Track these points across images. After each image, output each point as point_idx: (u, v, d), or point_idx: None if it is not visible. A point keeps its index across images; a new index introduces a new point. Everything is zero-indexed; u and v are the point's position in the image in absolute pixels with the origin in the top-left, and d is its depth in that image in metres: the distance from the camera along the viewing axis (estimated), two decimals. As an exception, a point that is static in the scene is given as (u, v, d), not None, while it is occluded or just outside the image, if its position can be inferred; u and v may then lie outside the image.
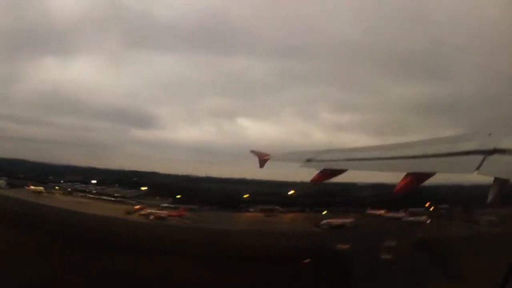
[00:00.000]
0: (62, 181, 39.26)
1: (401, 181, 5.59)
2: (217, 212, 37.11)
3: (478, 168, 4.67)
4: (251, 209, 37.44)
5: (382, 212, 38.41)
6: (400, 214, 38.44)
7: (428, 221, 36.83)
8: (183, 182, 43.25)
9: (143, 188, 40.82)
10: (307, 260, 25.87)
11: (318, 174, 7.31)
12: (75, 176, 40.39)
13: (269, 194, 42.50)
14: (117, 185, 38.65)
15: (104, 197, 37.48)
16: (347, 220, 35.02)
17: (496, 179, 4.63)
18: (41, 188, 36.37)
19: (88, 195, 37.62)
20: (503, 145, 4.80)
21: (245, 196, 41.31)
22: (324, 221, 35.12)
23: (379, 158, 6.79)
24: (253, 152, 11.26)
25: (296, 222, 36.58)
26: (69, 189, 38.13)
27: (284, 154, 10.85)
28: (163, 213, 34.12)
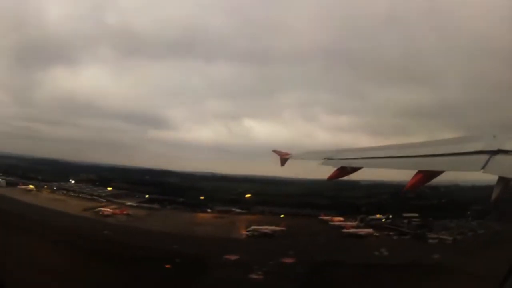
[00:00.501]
0: (71, 180, 41.55)
1: (412, 178, 6.00)
2: (175, 211, 38.51)
3: (483, 167, 5.08)
4: (208, 210, 38.72)
5: (337, 219, 38.61)
6: (350, 223, 38.00)
7: (372, 234, 35.77)
8: (185, 181, 44.56)
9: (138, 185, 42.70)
10: (168, 266, 26.29)
11: (336, 171, 7.71)
12: (88, 175, 42.73)
13: (261, 194, 43.00)
14: (97, 183, 40.37)
15: (80, 195, 39.43)
16: (276, 228, 35.10)
17: (500, 178, 5.02)
18: (31, 186, 37.57)
19: (69, 193, 39.40)
20: (507, 146, 5.18)
21: (247, 194, 41.95)
22: (251, 228, 35.05)
23: (392, 157, 7.19)
24: (275, 151, 11.67)
25: (234, 226, 36.56)
26: (54, 188, 39.47)
27: (304, 153, 11.24)
28: (108, 210, 35.78)
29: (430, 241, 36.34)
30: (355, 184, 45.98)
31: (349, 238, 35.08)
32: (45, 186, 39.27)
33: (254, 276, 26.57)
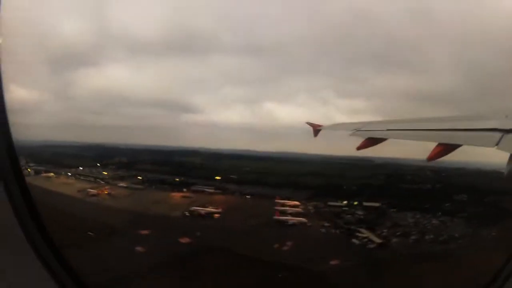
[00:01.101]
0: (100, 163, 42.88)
1: (433, 150, 6.61)
2: (154, 191, 38.67)
3: (497, 144, 5.58)
4: (184, 189, 38.49)
5: (290, 203, 36.50)
6: (295, 209, 35.46)
7: (303, 224, 33.84)
8: (205, 160, 46.32)
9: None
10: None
11: (364, 141, 8.34)
12: (120, 158, 43.63)
13: (263, 173, 43.78)
14: (117, 166, 42.26)
15: (88, 178, 40.29)
16: (213, 210, 34.25)
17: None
18: (52, 174, 38.59)
19: (81, 177, 40.33)
20: None
21: (250, 173, 42.89)
22: (192, 208, 34.65)
23: (415, 129, 7.85)
24: (308, 123, 12.52)
25: (183, 206, 35.14)
26: (69, 173, 40.55)
27: (335, 125, 12.18)
28: (93, 191, 36.30)
29: (354, 240, 32.68)
30: (366, 163, 46.17)
31: (273, 225, 32.62)
32: (62, 173, 40.25)
33: (139, 248, 26.74)
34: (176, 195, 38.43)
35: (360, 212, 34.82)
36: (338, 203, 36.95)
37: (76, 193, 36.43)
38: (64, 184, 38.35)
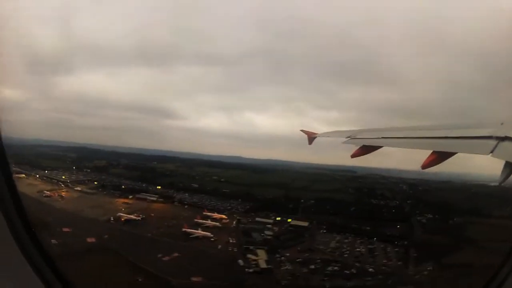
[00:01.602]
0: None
1: (428, 158, 6.59)
2: (102, 195, 40.39)
3: (492, 151, 5.55)
4: (130, 196, 39.79)
5: (216, 215, 36.56)
6: (213, 223, 35.08)
7: (207, 238, 31.73)
8: (178, 166, 47.71)
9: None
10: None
11: (358, 149, 8.27)
12: (100, 161, 45.78)
13: (226, 182, 43.95)
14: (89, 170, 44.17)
15: (53, 180, 42.14)
16: (133, 217, 35.37)
17: (507, 163, 5.46)
18: (23, 175, 38.67)
19: (47, 179, 40.82)
20: None
21: (215, 181, 43.11)
22: (118, 214, 35.98)
23: (409, 137, 7.79)
24: (303, 131, 12.46)
25: (113, 211, 37.26)
26: (37, 176, 41.02)
27: (329, 133, 11.99)
28: (47, 193, 38.84)
29: (239, 261, 31.39)
30: (347, 174, 47.08)
31: (177, 236, 33.47)
32: (33, 174, 41.10)
33: (53, 240, 27.35)
34: (119, 201, 39.37)
35: (269, 233, 34.82)
36: (265, 220, 37.31)
37: (35, 194, 37.23)
38: (29, 185, 38.34)
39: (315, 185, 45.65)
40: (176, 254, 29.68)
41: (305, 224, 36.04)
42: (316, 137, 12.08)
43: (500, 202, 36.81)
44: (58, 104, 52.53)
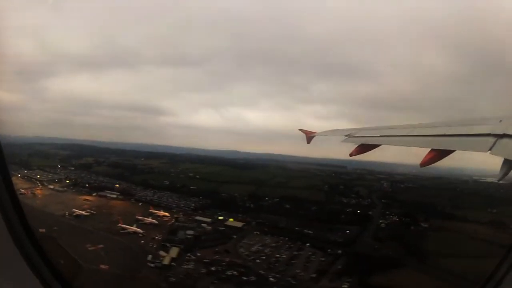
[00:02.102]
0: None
1: (426, 155, 6.59)
2: (70, 193, 42.28)
3: (490, 149, 5.58)
4: (94, 193, 41.49)
5: (161, 213, 38.11)
6: (150, 220, 36.77)
7: (137, 234, 33.83)
8: (161, 163, 48.71)
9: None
10: None
11: (357, 148, 8.21)
12: (87, 159, 47.56)
13: (201, 178, 44.01)
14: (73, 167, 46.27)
15: (33, 179, 43.38)
16: (83, 213, 37.48)
17: (505, 160, 5.46)
18: None
19: (27, 177, 41.32)
20: (511, 131, 5.65)
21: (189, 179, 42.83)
22: (72, 210, 37.92)
23: (408, 135, 7.77)
24: (301, 130, 12.44)
25: (70, 206, 38.97)
26: (18, 174, 42.64)
27: (327, 131, 11.77)
28: (22, 190, 38.67)
29: (148, 257, 32.50)
30: (337, 170, 47.28)
31: (112, 231, 35.04)
32: (15, 173, 41.08)
33: None
34: (82, 198, 40.82)
35: (190, 232, 35.10)
36: (203, 219, 37.89)
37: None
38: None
39: (292, 181, 45.84)
40: (101, 246, 31.14)
41: (239, 225, 36.06)
42: (314, 136, 12.09)
43: (484, 203, 38.58)
44: (51, 105, 58.37)
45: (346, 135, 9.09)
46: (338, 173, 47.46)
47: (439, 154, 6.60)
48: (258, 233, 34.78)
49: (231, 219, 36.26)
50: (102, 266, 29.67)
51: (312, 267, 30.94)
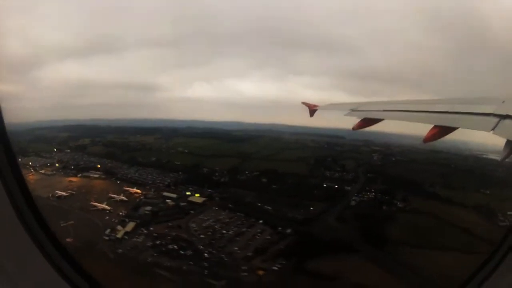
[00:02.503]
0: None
1: (429, 131, 6.61)
2: (59, 176, 41.59)
3: (493, 129, 5.56)
4: (79, 174, 41.42)
5: (131, 190, 37.29)
6: (120, 197, 35.98)
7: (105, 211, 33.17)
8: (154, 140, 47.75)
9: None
10: None
11: (359, 122, 8.23)
12: (84, 139, 47.24)
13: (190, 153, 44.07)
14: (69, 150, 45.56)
15: (23, 166, 38.85)
16: (63, 193, 37.04)
17: (508, 141, 5.40)
18: None
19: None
20: None
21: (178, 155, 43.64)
22: (56, 191, 37.00)
23: (411, 111, 7.78)
24: (304, 103, 12.20)
25: (53, 187, 38.31)
26: None
27: (330, 105, 12.00)
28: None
29: (107, 230, 32.33)
30: (335, 140, 46.65)
31: (85, 209, 35.27)
32: None
33: None
34: (67, 180, 40.69)
35: (148, 208, 34.17)
36: (169, 194, 36.96)
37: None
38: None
39: (281, 154, 45.19)
40: (71, 222, 31.35)
41: (200, 200, 35.70)
42: (317, 109, 11.94)
43: (478, 182, 36.43)
44: (47, 91, 57.59)
45: (350, 109, 9.06)
46: (332, 144, 46.15)
47: (442, 130, 6.60)
48: (217, 208, 34.40)
49: (197, 195, 36.22)
50: (68, 240, 29.57)
51: (252, 245, 30.01)
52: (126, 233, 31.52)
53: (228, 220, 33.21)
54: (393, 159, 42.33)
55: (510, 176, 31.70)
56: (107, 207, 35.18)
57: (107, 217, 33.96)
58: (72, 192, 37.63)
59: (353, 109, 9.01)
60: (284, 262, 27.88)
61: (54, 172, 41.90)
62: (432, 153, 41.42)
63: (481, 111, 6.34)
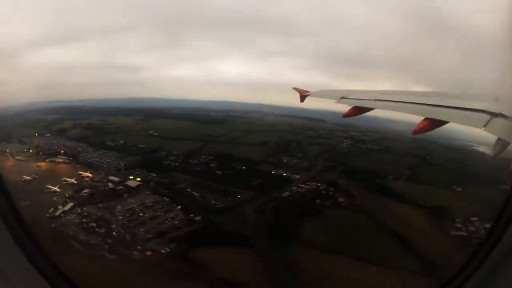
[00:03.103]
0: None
1: (420, 123, 6.58)
2: (30, 161, 40.57)
3: (485, 126, 5.59)
4: (52, 158, 40.65)
5: (83, 174, 37.67)
6: (70, 180, 36.61)
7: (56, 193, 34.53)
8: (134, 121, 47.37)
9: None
10: None
11: (350, 110, 8.11)
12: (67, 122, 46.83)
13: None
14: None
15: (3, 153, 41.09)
16: (28, 178, 36.36)
17: (499, 139, 5.55)
18: None
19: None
20: (507, 112, 5.60)
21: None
22: (22, 175, 36.59)
23: (402, 102, 7.72)
24: (295, 88, 12.24)
25: (17, 173, 37.16)
26: None
27: (321, 92, 11.67)
28: None
29: (50, 209, 32.84)
30: (314, 124, 44.94)
31: (41, 190, 35.56)
32: None
33: None
34: (36, 164, 40.28)
35: (86, 191, 34.42)
36: (114, 178, 36.56)
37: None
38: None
39: (247, 137, 43.82)
40: (27, 202, 30.87)
41: (134, 184, 35.99)
42: (308, 95, 11.88)
43: (449, 177, 32.07)
44: (34, 74, 53.67)
45: (341, 97, 8.96)
46: (305, 128, 45.05)
47: (433, 123, 6.60)
48: (148, 193, 34.48)
49: (138, 179, 36.26)
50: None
51: (157, 229, 30.20)
52: (63, 212, 32.66)
53: (151, 204, 33.14)
54: (363, 147, 39.65)
55: (492, 173, 25.88)
56: (57, 189, 35.80)
57: (54, 198, 34.54)
58: (36, 176, 38.29)
59: (344, 97, 8.91)
60: (173, 247, 27.65)
61: (27, 158, 42.12)
62: (413, 141, 37.89)
63: (473, 107, 6.32)
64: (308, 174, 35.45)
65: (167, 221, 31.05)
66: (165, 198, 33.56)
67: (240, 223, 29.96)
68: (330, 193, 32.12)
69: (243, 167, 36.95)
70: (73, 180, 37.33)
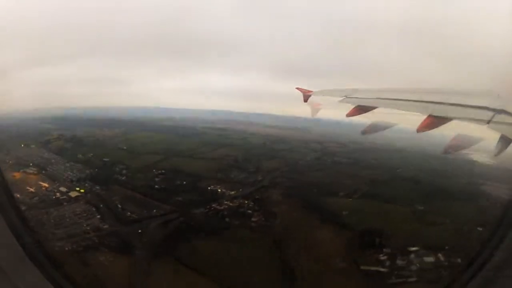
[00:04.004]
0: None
1: (423, 121, 6.52)
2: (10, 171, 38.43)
3: (488, 122, 5.59)
4: (24, 169, 40.01)
5: (42, 184, 37.75)
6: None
7: None
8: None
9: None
10: None
11: (353, 109, 8.00)
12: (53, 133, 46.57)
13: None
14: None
15: None
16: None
17: (502, 136, 5.52)
18: None
19: None
20: (510, 108, 5.61)
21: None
22: None
23: (406, 100, 7.64)
24: (298, 88, 12.08)
25: None
26: None
27: (324, 91, 11.55)
28: None
29: None
30: (300, 133, 44.40)
31: None
32: None
33: None
34: (11, 174, 38.02)
35: (36, 198, 35.05)
36: (63, 189, 36.29)
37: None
38: None
39: (214, 151, 42.19)
40: None
41: (73, 195, 36.34)
42: (311, 95, 11.80)
43: (415, 193, 28.22)
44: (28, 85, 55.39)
45: (344, 96, 8.84)
46: (279, 141, 43.44)
47: (436, 121, 6.55)
48: (82, 202, 35.08)
49: (82, 190, 36.88)
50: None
51: (72, 232, 31.02)
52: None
53: (79, 212, 33.62)
54: (329, 160, 37.13)
55: (474, 187, 23.75)
56: (19, 196, 34.43)
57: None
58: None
59: (347, 96, 8.80)
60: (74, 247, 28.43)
61: (6, 168, 38.41)
62: (397, 152, 35.02)
63: (475, 104, 6.31)
64: (244, 191, 33.35)
65: (82, 227, 31.70)
66: (93, 208, 33.93)
67: (138, 234, 29.30)
68: (249, 211, 29.95)
69: (184, 182, 35.96)
70: (32, 189, 37.34)
